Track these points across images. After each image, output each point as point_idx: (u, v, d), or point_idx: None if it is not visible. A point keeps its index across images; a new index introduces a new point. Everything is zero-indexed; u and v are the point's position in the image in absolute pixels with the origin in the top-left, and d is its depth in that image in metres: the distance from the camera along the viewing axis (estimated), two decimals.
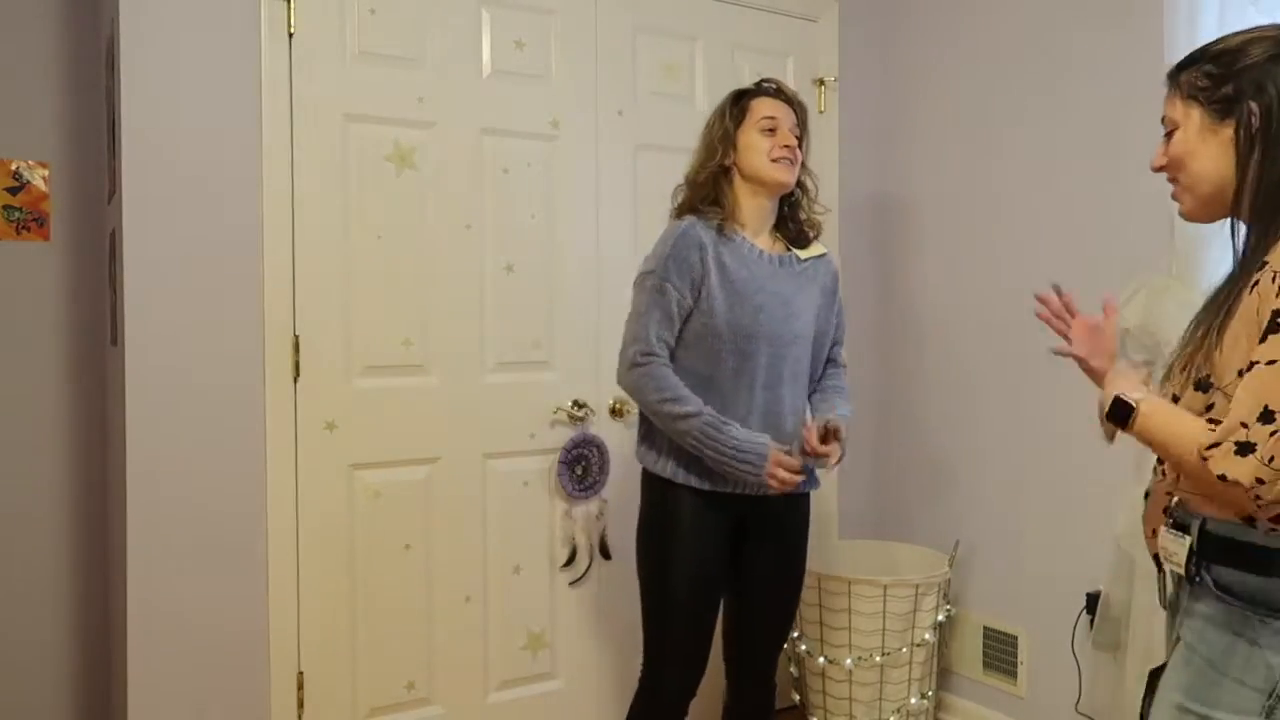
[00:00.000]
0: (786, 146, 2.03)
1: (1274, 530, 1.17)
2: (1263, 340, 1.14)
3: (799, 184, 2.10)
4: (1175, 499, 1.32)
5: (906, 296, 3.07)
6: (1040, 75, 2.63)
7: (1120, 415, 1.27)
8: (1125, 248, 2.43)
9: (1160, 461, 1.38)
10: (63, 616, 2.54)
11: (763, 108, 2.06)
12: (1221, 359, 1.20)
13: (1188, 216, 1.35)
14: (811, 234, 2.14)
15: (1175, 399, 1.28)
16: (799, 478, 1.94)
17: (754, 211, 2.07)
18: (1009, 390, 2.73)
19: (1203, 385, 1.23)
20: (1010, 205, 2.72)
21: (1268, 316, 1.14)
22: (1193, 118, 1.29)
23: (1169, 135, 1.33)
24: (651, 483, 2.06)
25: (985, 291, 2.80)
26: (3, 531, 2.46)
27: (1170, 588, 1.36)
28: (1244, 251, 1.26)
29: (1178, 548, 1.26)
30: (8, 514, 2.47)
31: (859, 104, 3.11)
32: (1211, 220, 1.33)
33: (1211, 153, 1.27)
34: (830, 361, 2.19)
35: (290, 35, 2.26)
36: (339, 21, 2.32)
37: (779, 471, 1.91)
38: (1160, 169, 1.36)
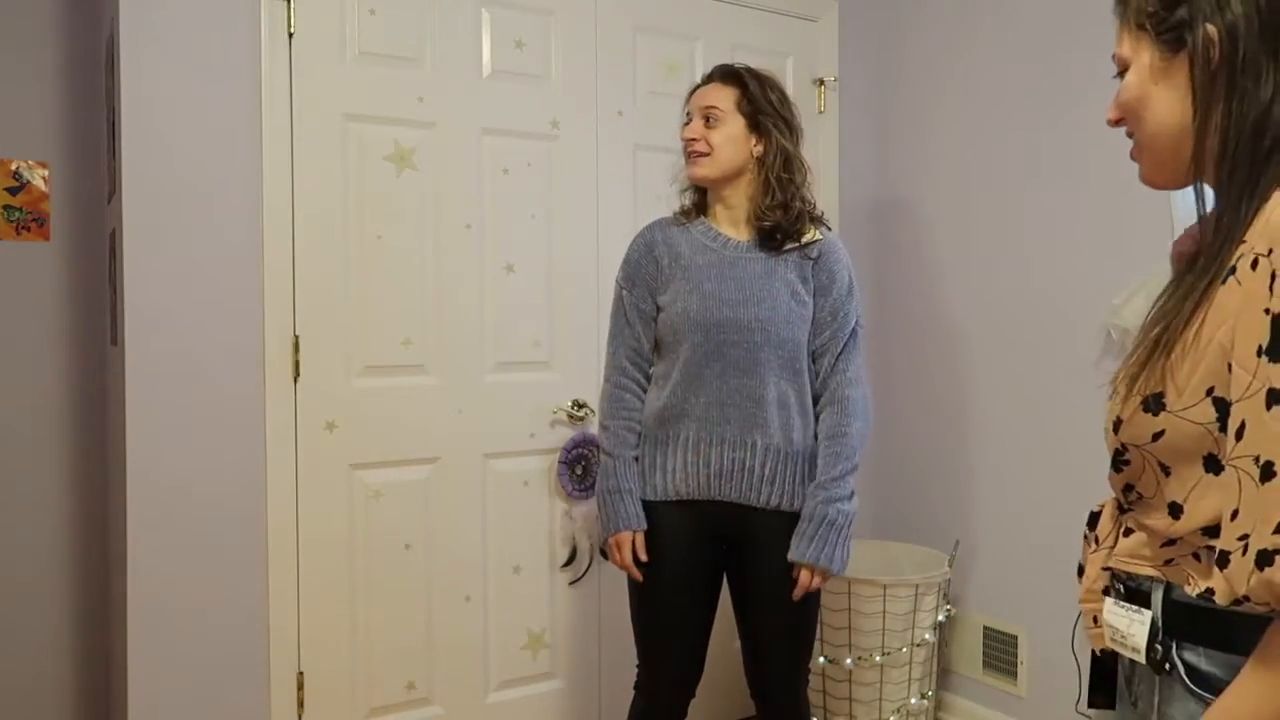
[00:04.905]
0: (689, 140, 1.99)
1: None
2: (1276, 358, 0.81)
3: (769, 172, 1.95)
4: (1118, 565, 1.02)
5: (906, 296, 3.07)
6: (1040, 74, 2.63)
7: None
8: (1125, 247, 2.43)
9: (1092, 525, 1.11)
10: (63, 617, 2.54)
11: (687, 104, 2.04)
12: (1182, 372, 0.89)
13: (1147, 181, 1.04)
14: (787, 226, 1.96)
15: (1118, 423, 0.96)
16: (629, 569, 2.00)
17: (716, 201, 2.03)
18: (1009, 390, 2.73)
19: (1152, 405, 0.92)
20: (1010, 205, 2.72)
21: (1267, 325, 0.82)
22: (1142, 53, 0.97)
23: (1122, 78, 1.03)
24: None
25: (985, 291, 2.80)
26: (3, 531, 2.47)
27: (1125, 681, 1.04)
28: (1212, 227, 0.93)
29: (1135, 628, 0.96)
30: (8, 513, 2.47)
31: (859, 104, 3.11)
32: (1178, 186, 1.02)
33: (1166, 97, 0.95)
34: (826, 381, 2.01)
35: (290, 35, 2.27)
36: (339, 21, 2.32)
37: (617, 553, 2.00)
38: (1116, 122, 1.04)
